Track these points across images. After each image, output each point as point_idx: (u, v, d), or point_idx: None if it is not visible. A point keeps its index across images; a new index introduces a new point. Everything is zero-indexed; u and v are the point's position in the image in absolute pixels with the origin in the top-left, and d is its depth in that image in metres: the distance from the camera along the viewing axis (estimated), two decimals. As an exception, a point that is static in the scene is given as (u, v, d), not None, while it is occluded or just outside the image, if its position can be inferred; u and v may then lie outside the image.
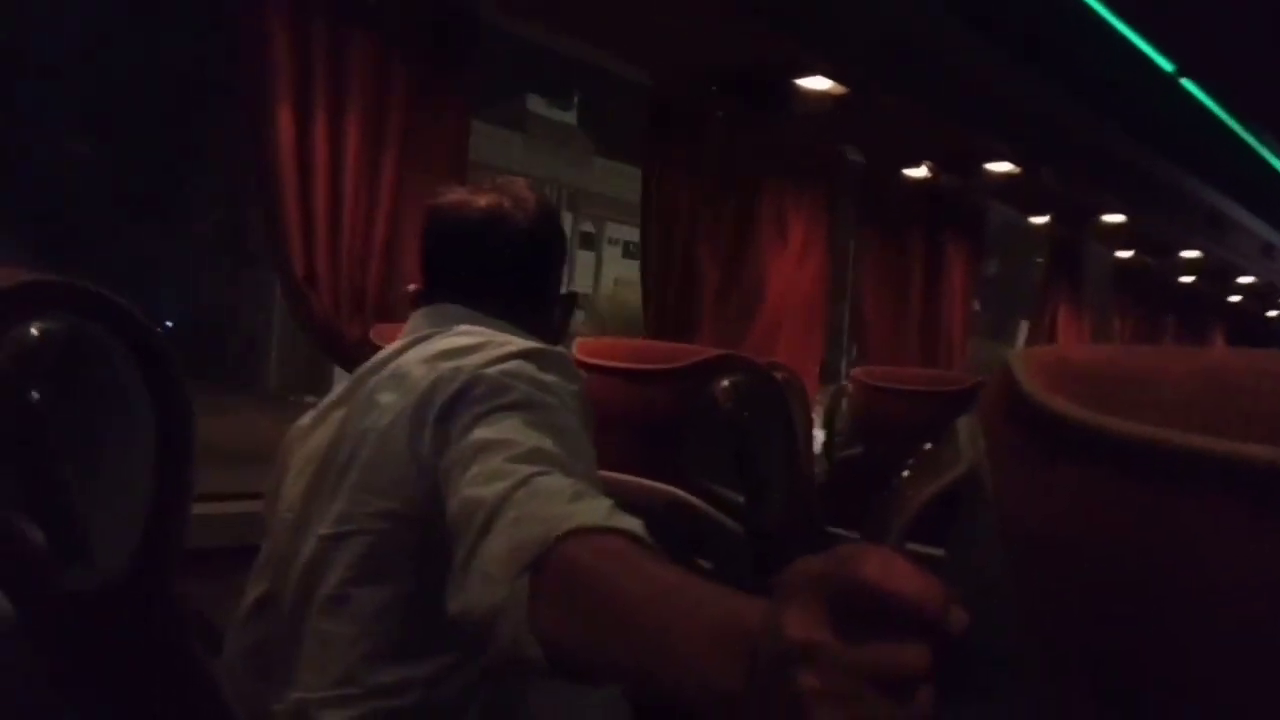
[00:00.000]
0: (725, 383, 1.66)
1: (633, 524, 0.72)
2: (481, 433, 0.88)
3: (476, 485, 0.82)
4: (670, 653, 0.55)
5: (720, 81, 2.51)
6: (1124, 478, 0.39)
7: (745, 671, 0.48)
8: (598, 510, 0.73)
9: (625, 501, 0.80)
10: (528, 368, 0.98)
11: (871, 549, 0.46)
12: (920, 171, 3.42)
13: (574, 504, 0.74)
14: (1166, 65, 3.68)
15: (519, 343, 1.03)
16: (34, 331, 0.85)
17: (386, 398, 1.02)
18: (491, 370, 0.96)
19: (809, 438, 2.20)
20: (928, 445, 0.56)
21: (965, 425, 0.49)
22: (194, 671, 0.89)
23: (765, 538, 1.65)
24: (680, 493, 1.66)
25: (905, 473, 0.56)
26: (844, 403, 3.03)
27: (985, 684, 0.46)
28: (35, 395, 0.84)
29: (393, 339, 2.03)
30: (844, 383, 3.06)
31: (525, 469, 0.80)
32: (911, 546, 0.51)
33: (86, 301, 0.88)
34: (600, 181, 22.50)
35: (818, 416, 2.94)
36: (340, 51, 2.10)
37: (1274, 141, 4.94)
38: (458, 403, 0.94)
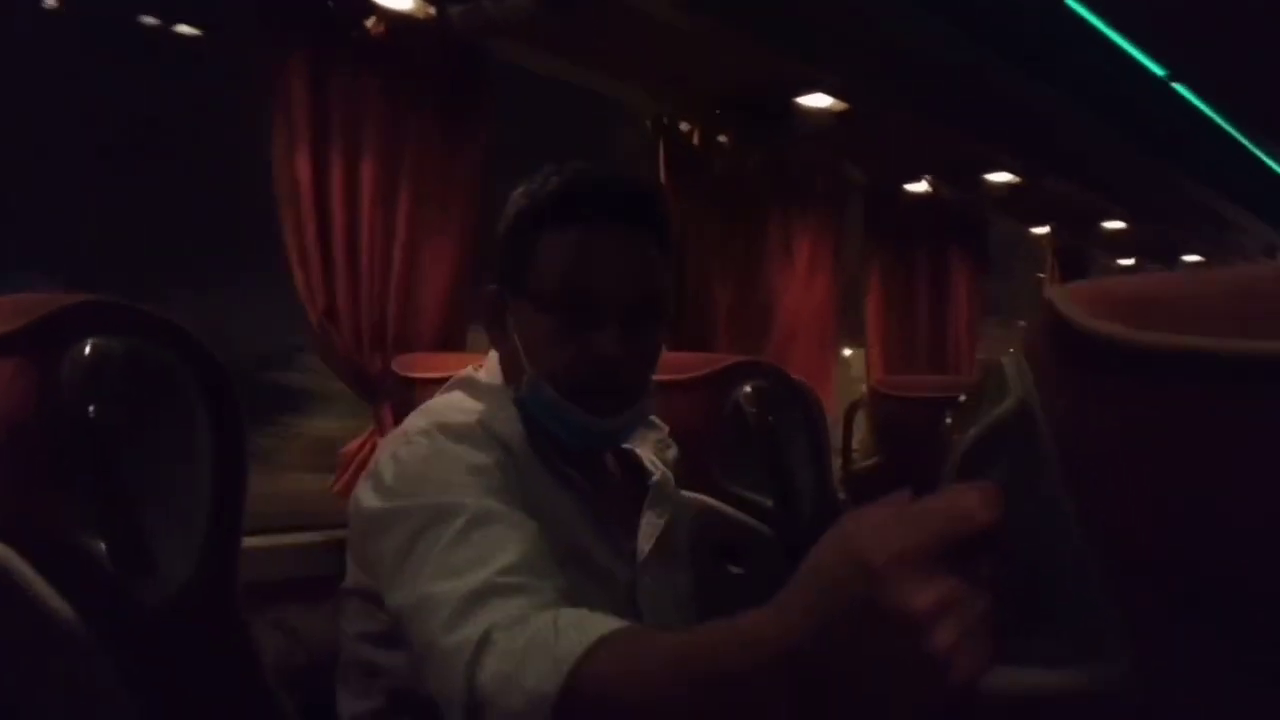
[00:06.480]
0: (749, 388, 1.69)
1: (601, 622, 0.73)
2: (395, 598, 0.88)
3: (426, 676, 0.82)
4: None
5: (723, 105, 2.55)
6: (1171, 387, 0.41)
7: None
8: (561, 638, 0.72)
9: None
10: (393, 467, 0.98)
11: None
12: (922, 186, 3.46)
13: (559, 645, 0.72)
14: (1158, 70, 3.72)
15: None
16: (95, 350, 0.88)
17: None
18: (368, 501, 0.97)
19: (829, 447, 2.22)
20: (962, 398, 0.58)
21: (1010, 363, 0.51)
22: (256, 678, 0.91)
23: (796, 542, 1.66)
24: (710, 500, 1.68)
25: (948, 419, 0.59)
26: (859, 414, 3.05)
27: (1051, 610, 0.48)
28: (96, 411, 0.87)
29: (416, 369, 2.08)
30: (859, 395, 3.09)
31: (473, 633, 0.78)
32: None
33: (146, 323, 0.91)
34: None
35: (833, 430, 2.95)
36: (356, 94, 2.15)
37: (1269, 143, 4.98)
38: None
